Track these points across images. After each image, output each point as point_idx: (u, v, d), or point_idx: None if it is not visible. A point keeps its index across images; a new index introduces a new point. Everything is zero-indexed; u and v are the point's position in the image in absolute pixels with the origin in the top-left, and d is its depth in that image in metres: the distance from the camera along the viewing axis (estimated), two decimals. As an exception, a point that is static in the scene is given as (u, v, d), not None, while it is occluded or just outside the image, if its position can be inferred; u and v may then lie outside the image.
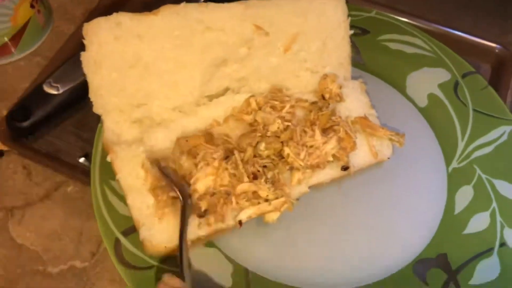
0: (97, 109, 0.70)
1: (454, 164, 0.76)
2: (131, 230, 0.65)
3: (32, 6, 0.89)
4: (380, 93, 0.82)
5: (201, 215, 0.64)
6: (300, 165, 0.68)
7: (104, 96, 0.69)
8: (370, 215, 0.71)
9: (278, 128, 0.71)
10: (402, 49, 0.86)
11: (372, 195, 0.73)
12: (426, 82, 0.83)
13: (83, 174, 0.76)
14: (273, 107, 0.74)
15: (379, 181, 0.75)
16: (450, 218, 0.71)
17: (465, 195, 0.72)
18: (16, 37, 0.88)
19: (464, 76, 0.82)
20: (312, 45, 0.78)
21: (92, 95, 0.69)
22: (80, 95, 0.77)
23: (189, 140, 0.68)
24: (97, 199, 0.66)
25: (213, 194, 0.65)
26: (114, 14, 0.68)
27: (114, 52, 0.68)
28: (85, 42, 0.67)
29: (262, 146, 0.68)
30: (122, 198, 0.67)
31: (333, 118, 0.74)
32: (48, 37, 0.94)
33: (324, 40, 0.78)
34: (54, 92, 0.78)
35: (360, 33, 0.87)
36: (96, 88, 0.69)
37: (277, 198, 0.65)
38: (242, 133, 0.72)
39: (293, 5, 0.76)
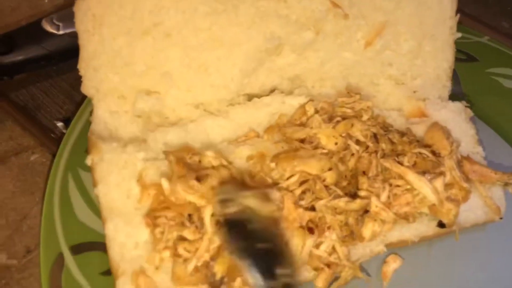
0: (87, 88, 0.51)
1: None
2: (85, 247, 0.47)
3: None
4: (482, 140, 0.60)
5: (215, 285, 0.39)
6: (381, 210, 0.44)
7: (101, 70, 0.50)
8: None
9: (336, 144, 0.49)
10: (521, 90, 0.66)
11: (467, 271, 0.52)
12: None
13: (55, 143, 0.60)
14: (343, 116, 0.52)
15: (480, 249, 0.54)
16: None
17: None
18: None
19: None
20: (403, 43, 0.58)
21: (82, 66, 0.50)
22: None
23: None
24: (53, 189, 0.49)
25: None
26: (134, -50, 0.47)
27: (124, 6, 0.49)
28: None
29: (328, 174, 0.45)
30: (89, 199, 0.49)
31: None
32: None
33: (420, 39, 0.58)
34: (53, 30, 0.63)
35: (465, 59, 0.70)
36: (90, 57, 0.50)
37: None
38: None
39: None
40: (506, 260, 0.53)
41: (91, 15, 0.48)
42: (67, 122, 0.63)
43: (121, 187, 0.45)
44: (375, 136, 0.50)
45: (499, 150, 0.63)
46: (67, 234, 0.47)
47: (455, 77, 0.69)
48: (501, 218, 0.54)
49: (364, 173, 0.49)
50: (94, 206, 0.48)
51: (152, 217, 0.43)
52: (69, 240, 0.46)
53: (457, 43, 0.68)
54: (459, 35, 0.60)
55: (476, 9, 0.85)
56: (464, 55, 0.71)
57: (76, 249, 0.46)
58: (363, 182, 0.48)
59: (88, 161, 0.46)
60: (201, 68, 0.52)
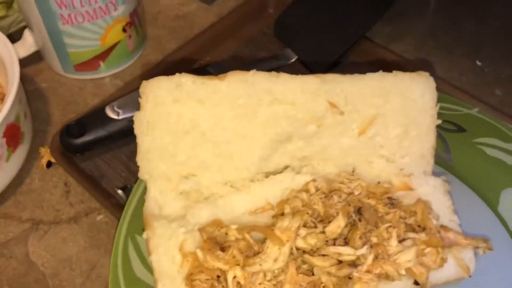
0: (142, 174, 0.64)
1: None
2: None
3: (124, 30, 0.89)
4: (465, 204, 0.70)
5: None
6: (366, 274, 0.57)
7: (153, 161, 0.64)
8: None
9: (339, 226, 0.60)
10: (502, 158, 0.74)
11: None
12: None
13: (116, 207, 0.73)
14: (338, 190, 0.64)
15: None
16: None
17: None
18: (102, 57, 0.90)
19: None
20: (392, 130, 0.68)
21: (139, 159, 0.63)
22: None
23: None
24: (117, 252, 0.62)
25: None
26: (177, 75, 0.62)
27: (170, 115, 0.63)
28: (140, 101, 0.62)
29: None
30: (144, 260, 0.63)
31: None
32: (134, 63, 0.97)
33: (406, 126, 0.69)
34: (114, 116, 0.77)
35: (455, 130, 0.78)
36: (145, 151, 0.63)
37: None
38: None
39: (375, 84, 0.67)
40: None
41: (146, 122, 0.62)
42: (124, 189, 0.77)
43: (167, 255, 0.58)
44: (358, 210, 0.61)
45: (480, 212, 0.72)
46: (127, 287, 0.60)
47: (446, 146, 0.79)
48: (470, 276, 0.64)
49: (352, 239, 0.61)
50: (147, 265, 0.62)
51: (190, 279, 0.56)
52: (130, 292, 0.60)
53: (448, 115, 0.78)
54: (440, 121, 0.69)
55: (473, 77, 0.95)
56: (454, 126, 0.79)
57: (135, 300, 0.59)
58: (351, 247, 0.60)
59: (144, 235, 0.60)
60: (228, 156, 0.64)
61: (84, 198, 0.78)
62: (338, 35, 0.92)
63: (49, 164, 0.81)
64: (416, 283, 0.61)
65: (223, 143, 0.64)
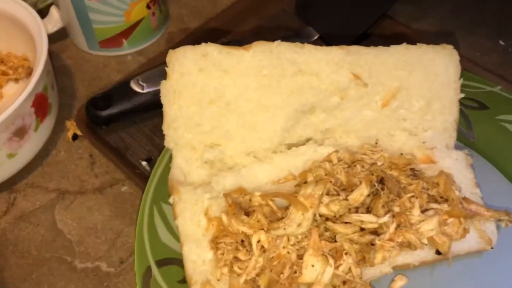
0: (168, 143, 0.65)
1: None
2: (167, 262, 0.61)
3: (148, 7, 0.90)
4: (487, 180, 0.70)
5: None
6: (388, 242, 0.57)
7: (178, 130, 0.65)
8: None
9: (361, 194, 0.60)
10: (525, 136, 0.72)
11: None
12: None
13: (140, 178, 0.75)
14: (361, 161, 0.64)
15: (476, 273, 0.64)
16: None
17: None
18: (126, 33, 0.90)
19: None
20: (415, 103, 0.69)
21: (165, 127, 0.65)
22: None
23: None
24: (143, 218, 0.64)
25: (271, 268, 0.56)
26: (202, 44, 0.64)
27: (196, 84, 0.64)
28: (167, 70, 0.63)
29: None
30: (169, 226, 0.64)
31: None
32: (157, 41, 0.97)
33: (429, 99, 0.69)
34: (138, 90, 0.78)
35: (477, 107, 0.78)
36: (171, 120, 0.65)
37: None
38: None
39: (399, 57, 0.68)
40: (499, 280, 0.64)
41: (172, 91, 0.63)
42: (148, 161, 0.78)
43: (193, 219, 0.60)
44: (381, 180, 0.61)
45: (502, 188, 0.71)
46: (153, 252, 0.61)
47: (468, 123, 0.79)
48: (492, 248, 0.64)
49: (374, 208, 0.62)
50: (172, 231, 0.63)
51: (215, 242, 0.58)
52: (155, 256, 0.61)
53: (471, 93, 0.77)
54: (462, 95, 0.70)
55: (495, 57, 0.93)
56: (476, 104, 0.79)
57: (160, 263, 0.61)
58: (374, 215, 0.60)
59: (171, 200, 0.61)
60: (251, 127, 0.65)
61: (109, 170, 0.79)
62: (359, 13, 0.92)
63: (75, 137, 0.82)
64: (438, 252, 0.62)
65: (247, 113, 0.65)
